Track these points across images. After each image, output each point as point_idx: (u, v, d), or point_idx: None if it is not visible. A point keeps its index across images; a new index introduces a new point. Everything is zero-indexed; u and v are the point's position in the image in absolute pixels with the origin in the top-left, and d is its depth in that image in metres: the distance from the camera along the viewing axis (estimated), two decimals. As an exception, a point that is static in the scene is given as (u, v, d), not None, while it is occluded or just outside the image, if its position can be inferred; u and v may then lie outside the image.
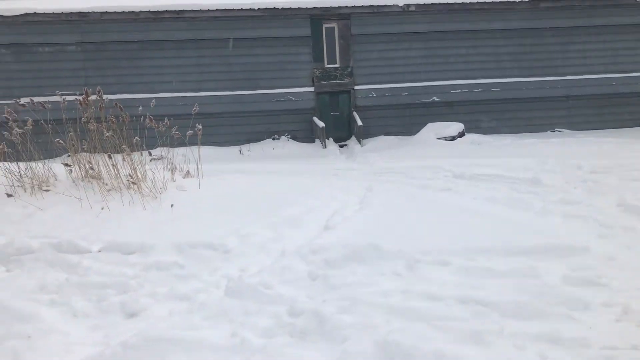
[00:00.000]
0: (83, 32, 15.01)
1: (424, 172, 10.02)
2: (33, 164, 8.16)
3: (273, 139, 16.05)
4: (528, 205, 6.71)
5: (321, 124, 15.68)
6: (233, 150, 14.79)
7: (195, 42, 15.73)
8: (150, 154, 8.02)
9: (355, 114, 16.63)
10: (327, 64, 16.89)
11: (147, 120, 7.95)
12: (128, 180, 7.51)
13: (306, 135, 16.44)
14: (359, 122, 16.04)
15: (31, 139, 7.88)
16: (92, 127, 7.84)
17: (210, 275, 4.58)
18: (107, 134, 7.71)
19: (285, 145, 15.44)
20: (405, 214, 6.26)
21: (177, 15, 15.37)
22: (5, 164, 8.11)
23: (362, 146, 15.70)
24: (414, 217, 6.10)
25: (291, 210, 6.59)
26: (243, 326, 3.41)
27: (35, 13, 14.33)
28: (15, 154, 8.17)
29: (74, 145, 7.83)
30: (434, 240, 4.97)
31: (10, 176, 7.84)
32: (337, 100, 17.17)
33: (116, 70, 15.22)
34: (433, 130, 15.68)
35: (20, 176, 7.97)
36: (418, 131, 16.19)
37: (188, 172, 8.91)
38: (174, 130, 8.66)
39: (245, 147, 15.10)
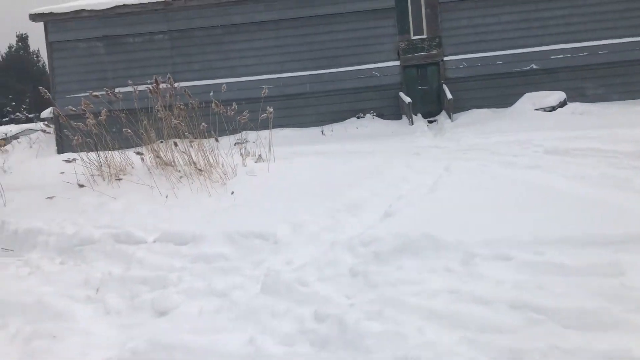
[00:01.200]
0: (169, 20, 15.38)
1: (512, 148, 9.18)
2: (113, 153, 8.42)
3: (357, 118, 15.60)
4: (627, 184, 5.83)
5: (407, 99, 14.98)
6: (315, 131, 14.55)
7: (275, 22, 15.58)
8: (217, 140, 7.91)
9: (444, 86, 15.72)
10: (413, 35, 16.07)
11: (213, 105, 7.87)
12: (196, 168, 7.50)
13: (392, 112, 15.82)
14: (449, 96, 15.14)
15: (107, 129, 8.09)
16: (160, 115, 7.90)
17: (253, 269, 4.35)
18: (175, 122, 7.74)
19: (369, 124, 14.94)
20: (478, 197, 5.64)
21: (257, -3, 15.33)
22: (88, 154, 8.44)
23: (452, 121, 14.83)
24: (487, 200, 5.48)
25: (355, 194, 6.21)
26: (264, 331, 3.13)
27: (124, 5, 14.88)
28: (94, 144, 8.47)
29: (143, 135, 7.95)
30: (502, 229, 4.37)
31: (90, 165, 8.14)
32: (425, 73, 16.33)
33: (201, 56, 15.48)
34: (530, 100, 14.43)
35: (100, 165, 8.25)
36: (514, 102, 14.99)
37: (260, 156, 8.78)
38: (245, 113, 8.55)
39: (327, 128, 14.80)
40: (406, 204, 5.57)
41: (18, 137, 18.21)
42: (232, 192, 6.58)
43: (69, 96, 7.75)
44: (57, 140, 13.97)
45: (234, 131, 9.49)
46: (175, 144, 7.65)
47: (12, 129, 23.19)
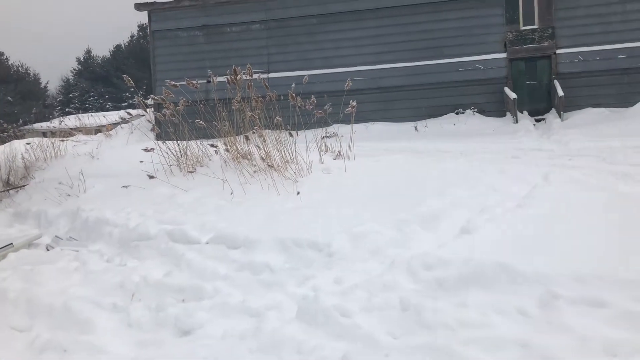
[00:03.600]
0: (266, 9, 15.24)
1: (629, 156, 7.95)
2: (192, 144, 8.32)
3: (456, 114, 14.58)
4: None
5: (512, 95, 13.75)
6: (409, 126, 13.77)
7: (374, 11, 14.92)
8: (290, 134, 7.51)
9: (556, 82, 14.26)
10: (523, 25, 14.71)
11: (290, 97, 7.45)
12: (266, 163, 7.15)
13: (495, 108, 14.62)
14: (560, 92, 13.70)
15: (185, 119, 7.97)
16: (235, 107, 7.63)
17: (297, 285, 3.87)
18: (250, 114, 7.43)
19: (467, 121, 13.89)
20: (576, 217, 4.75)
21: (357, -16, 14.75)
22: (167, 143, 8.40)
23: (562, 120, 13.41)
24: (587, 221, 4.58)
25: (432, 203, 5.51)
26: (281, 374, 2.63)
27: (223, -6, 14.99)
28: (175, 133, 8.41)
29: (216, 126, 7.73)
30: (600, 261, 3.55)
31: (167, 156, 8.08)
32: (534, 67, 14.92)
33: (296, 46, 15.21)
34: (657, 100, 12.69)
35: (180, 155, 8.17)
36: (637, 102, 13.26)
37: (339, 152, 8.26)
38: (327, 107, 8.07)
39: (421, 123, 13.95)
40: (487, 220, 4.81)
41: (129, 122, 19.11)
42: (298, 193, 6.14)
43: (172, 84, 7.71)
44: (158, 127, 14.31)
45: (318, 124, 9.09)
46: (247, 138, 7.33)
47: (131, 113, 24.46)
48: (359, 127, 14.04)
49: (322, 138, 8.73)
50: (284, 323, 3.25)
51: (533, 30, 14.63)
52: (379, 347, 2.80)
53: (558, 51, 14.59)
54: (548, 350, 2.59)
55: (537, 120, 14.20)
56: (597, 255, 3.68)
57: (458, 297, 3.31)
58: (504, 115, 14.35)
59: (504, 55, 14.68)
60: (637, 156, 7.79)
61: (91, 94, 53.46)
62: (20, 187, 8.84)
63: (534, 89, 15.03)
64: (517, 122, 13.55)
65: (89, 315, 3.46)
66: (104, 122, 25.04)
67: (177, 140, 8.29)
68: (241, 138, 7.72)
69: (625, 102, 13.67)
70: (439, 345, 2.71)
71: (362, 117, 14.05)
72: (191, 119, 7.84)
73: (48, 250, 5.67)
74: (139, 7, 15.55)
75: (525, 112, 14.37)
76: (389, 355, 2.63)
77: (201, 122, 7.19)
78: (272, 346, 2.93)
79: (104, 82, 53.06)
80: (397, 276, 3.75)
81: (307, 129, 8.83)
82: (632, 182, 6.36)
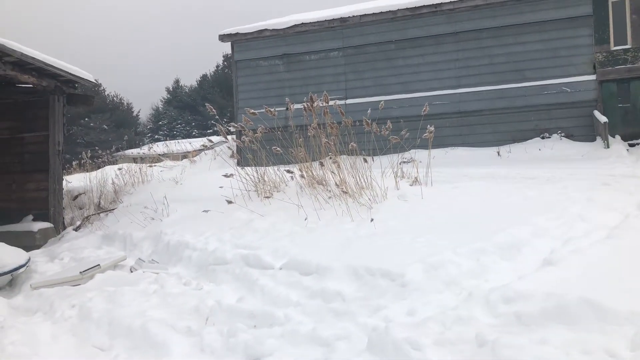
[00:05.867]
0: (344, 37, 15.42)
1: None
2: (269, 170, 8.48)
3: (542, 138, 13.95)
4: None
5: (603, 118, 12.98)
6: (491, 151, 13.31)
7: (453, 35, 14.69)
8: (365, 160, 7.47)
9: (652, 104, 13.37)
10: (614, 45, 13.93)
11: (364, 123, 7.43)
12: (341, 189, 7.14)
13: (584, 132, 13.85)
14: (657, 115, 12.81)
15: (263, 145, 8.14)
16: (310, 134, 7.70)
17: (369, 315, 3.78)
18: (325, 140, 7.48)
19: (554, 145, 13.22)
20: (674, 250, 4.37)
21: (435, 9, 14.55)
22: (246, 169, 8.62)
23: (659, 145, 12.50)
24: (688, 256, 4.19)
25: (513, 232, 5.25)
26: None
27: (302, 23, 15.28)
28: (253, 160, 8.61)
29: (292, 152, 7.83)
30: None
31: (246, 182, 8.28)
32: (627, 88, 14.05)
33: (373, 72, 15.23)
34: None
35: (258, 181, 8.35)
36: None
37: (416, 179, 8.11)
38: (404, 132, 7.99)
39: (504, 148, 13.43)
40: (573, 252, 4.52)
41: (214, 148, 19.86)
42: (372, 220, 6.05)
43: (250, 112, 7.97)
44: (239, 153, 14.73)
45: (394, 150, 9.00)
46: (322, 164, 7.37)
47: (213, 140, 25.43)
48: (438, 152, 13.80)
49: (400, 164, 8.64)
50: (353, 354, 3.18)
51: (625, 51, 13.83)
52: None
53: (654, 71, 13.69)
54: (641, 399, 2.35)
55: (631, 145, 13.30)
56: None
57: (539, 333, 3.10)
58: (593, 139, 13.57)
59: (593, 77, 13.95)
60: None
61: (179, 121, 56.17)
62: (110, 210, 9.35)
63: (627, 112, 14.13)
64: (608, 146, 12.76)
65: (165, 338, 3.55)
66: (189, 148, 26.20)
67: (255, 166, 8.49)
68: (316, 164, 7.79)
69: None
70: (515, 388, 2.53)
71: (441, 142, 13.80)
72: (270, 146, 8.01)
73: (131, 271, 5.92)
74: (222, 38, 16.23)
75: (618, 137, 13.50)
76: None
77: (278, 148, 7.31)
78: (340, 378, 2.86)
79: (191, 110, 55.64)
80: (473, 309, 3.58)
81: (383, 155, 8.77)
82: None
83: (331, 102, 7.87)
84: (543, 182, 8.84)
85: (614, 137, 13.48)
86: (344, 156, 7.88)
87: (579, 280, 3.75)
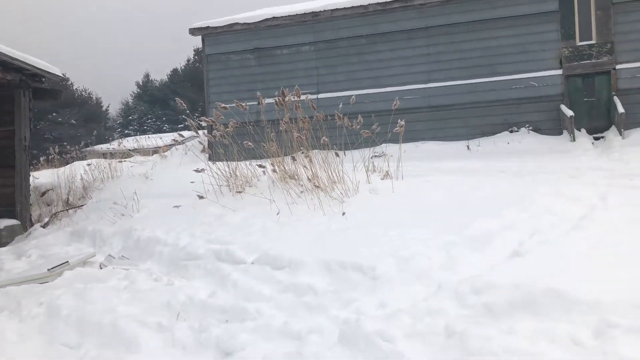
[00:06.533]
0: (316, 31, 15.40)
1: (696, 175, 7.48)
2: (241, 164, 8.44)
3: (511, 132, 14.19)
4: None
5: (569, 112, 13.27)
6: (461, 145, 13.49)
7: (424, 30, 14.80)
8: (337, 154, 7.49)
9: (616, 99, 13.67)
10: (580, 41, 14.22)
11: (336, 117, 7.45)
12: (313, 183, 7.15)
13: (551, 126, 14.13)
14: (621, 109, 13.12)
15: (233, 140, 8.09)
16: (282, 128, 7.70)
17: (341, 309, 3.81)
18: (297, 135, 7.48)
19: (522, 139, 13.47)
20: (636, 241, 4.50)
21: (406, 4, 14.63)
22: (218, 164, 8.55)
23: (623, 138, 12.81)
24: (650, 246, 4.33)
25: (482, 225, 5.34)
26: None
27: (274, 17, 15.21)
28: (224, 155, 8.55)
29: (263, 147, 7.81)
30: (663, 290, 3.32)
31: (217, 176, 8.22)
32: (592, 83, 14.37)
33: (345, 66, 15.25)
34: None
35: (230, 176, 8.30)
36: None
37: (387, 173, 8.17)
38: (375, 126, 8.02)
39: (474, 142, 13.63)
40: (540, 243, 4.63)
41: (185, 143, 19.65)
42: (344, 214, 6.09)
43: (221, 106, 7.91)
44: (211, 149, 14.61)
45: (366, 144, 9.04)
46: (294, 158, 7.37)
47: (185, 134, 25.20)
48: (409, 147, 13.90)
49: (371, 158, 8.69)
50: (325, 347, 3.20)
51: (590, 46, 14.14)
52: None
53: (618, 66, 14.01)
54: (603, 385, 2.43)
55: (596, 139, 13.63)
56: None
57: (507, 323, 3.17)
58: (560, 133, 13.85)
59: (559, 72, 14.23)
60: None
61: (149, 116, 55.43)
62: (78, 207, 9.18)
63: (592, 106, 14.46)
64: (574, 140, 13.05)
65: (135, 334, 3.52)
66: (160, 143, 25.87)
67: (227, 161, 8.43)
68: (289, 159, 7.78)
69: (692, 118, 12.97)
70: (483, 376, 2.59)
71: (412, 136, 13.90)
72: (241, 140, 7.96)
73: (101, 268, 5.83)
74: (193, 31, 16.04)
75: (583, 130, 13.82)
76: (430, 385, 2.53)
77: (249, 143, 7.28)
78: (312, 371, 2.87)
79: (162, 105, 54.93)
80: (444, 301, 3.64)
81: (355, 149, 8.80)
82: (699, 203, 5.99)
83: (303, 97, 7.86)
84: (512, 176, 9.00)
85: (579, 130, 13.79)
86: (316, 151, 7.88)
87: (545, 270, 3.84)
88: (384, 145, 11.76)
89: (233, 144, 8.12)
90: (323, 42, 15.47)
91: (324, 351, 3.12)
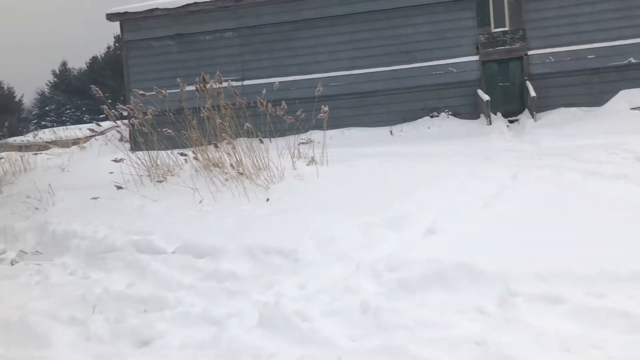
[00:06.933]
0: (238, 17, 15.20)
1: (597, 153, 8.03)
2: (162, 154, 8.24)
3: (431, 117, 14.66)
4: None
5: (485, 97, 13.88)
6: (384, 131, 13.81)
7: (348, 17, 14.95)
8: (261, 141, 7.48)
9: (528, 83, 14.43)
10: (494, 28, 14.87)
11: (259, 104, 7.43)
12: (237, 171, 7.11)
13: (469, 110, 14.73)
14: (532, 93, 13.86)
15: (155, 128, 7.89)
16: (203, 115, 7.59)
17: (262, 292, 3.83)
18: (219, 122, 7.40)
19: (442, 123, 13.97)
20: (541, 215, 4.80)
21: (330, -9, 14.78)
22: (138, 153, 8.31)
23: (535, 121, 13.56)
24: (552, 219, 4.62)
25: (401, 205, 5.52)
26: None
27: (195, 2, 14.88)
28: (145, 145, 8.33)
29: (185, 134, 7.67)
30: (561, 258, 3.57)
31: (138, 166, 7.99)
32: (506, 68, 15.08)
33: (270, 53, 15.18)
34: (626, 98, 12.89)
35: (152, 165, 8.09)
36: (607, 101, 13.48)
37: (312, 158, 8.24)
38: (300, 112, 8.04)
39: (397, 127, 14.00)
40: (454, 220, 4.84)
41: (105, 133, 18.92)
42: (268, 200, 6.11)
43: (139, 93, 7.63)
44: (132, 138, 14.16)
45: (292, 131, 9.05)
46: (216, 146, 7.29)
47: (106, 124, 24.27)
48: (335, 133, 14.08)
49: (299, 144, 8.73)
50: (245, 330, 3.22)
51: (504, 33, 14.80)
52: (336, 351, 2.77)
53: (529, 52, 14.76)
54: (504, 347, 2.59)
55: (511, 122, 14.35)
56: (557, 252, 3.71)
57: (419, 297, 3.31)
58: (478, 117, 14.46)
59: (476, 58, 14.82)
60: (605, 154, 7.89)
61: (68, 106, 52.85)
62: (-12, 202, 8.67)
63: (507, 90, 15.18)
64: (490, 123, 13.68)
65: (46, 329, 3.39)
66: (80, 134, 24.75)
67: (148, 150, 8.21)
68: (213, 147, 7.67)
69: (596, 101, 13.88)
70: (394, 346, 2.70)
71: (338, 123, 14.08)
72: (163, 129, 7.78)
73: (12, 264, 5.56)
74: (110, 17, 15.41)
75: (499, 114, 14.50)
76: (342, 358, 2.61)
77: (169, 130, 7.13)
78: (230, 354, 2.89)
79: (81, 95, 52.47)
80: (361, 279, 3.74)
81: (280, 136, 8.80)
82: (599, 179, 6.44)
83: (225, 84, 7.76)
84: (431, 158, 9.31)
85: (495, 114, 14.45)
86: (243, 138, 7.83)
87: (457, 246, 4.03)
88: (310, 132, 11.84)
89: (153, 133, 7.92)
90: (247, 28, 15.31)
91: (242, 334, 3.13)
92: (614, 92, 13.72)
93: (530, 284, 3.22)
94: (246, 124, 7.29)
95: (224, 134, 7.25)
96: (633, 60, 14.30)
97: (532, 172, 7.10)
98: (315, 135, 11.22)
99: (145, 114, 7.86)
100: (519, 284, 3.21)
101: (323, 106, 8.06)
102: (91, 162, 10.32)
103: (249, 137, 7.73)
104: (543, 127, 12.55)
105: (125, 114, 9.07)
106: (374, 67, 15.05)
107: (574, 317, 2.82)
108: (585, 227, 4.34)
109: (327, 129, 8.62)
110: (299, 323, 3.12)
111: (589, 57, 14.57)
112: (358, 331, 2.99)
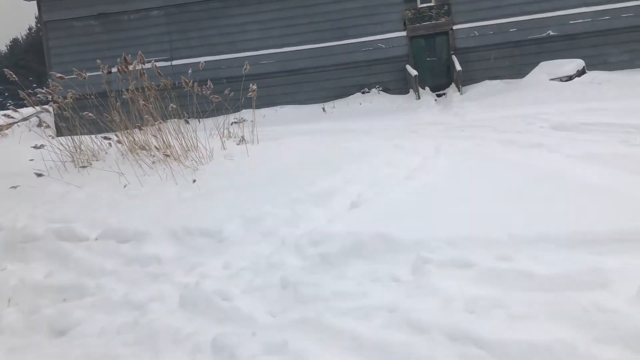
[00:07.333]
0: (164, -5, 14.80)
1: (516, 124, 8.44)
2: (86, 138, 7.97)
3: (362, 93, 14.85)
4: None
5: (414, 72, 14.17)
6: (317, 108, 13.89)
7: (276, -7, 14.87)
8: (187, 121, 7.37)
9: (454, 57, 14.84)
10: (420, 3, 15.15)
11: (184, 84, 7.28)
12: (163, 153, 6.99)
13: (399, 86, 15.03)
14: (458, 67, 14.27)
15: (76, 112, 7.61)
16: (125, 97, 7.38)
17: (185, 274, 3.83)
18: (142, 103, 7.22)
19: (373, 99, 14.19)
20: (458, 184, 5.00)
21: (257, -33, 14.57)
22: (60, 139, 8.00)
23: (461, 94, 14.00)
24: (468, 188, 4.83)
25: (328, 181, 5.60)
26: (155, 361, 2.61)
27: (117, -20, 14.35)
28: (68, 129, 8.03)
29: (108, 118, 7.46)
30: (473, 224, 3.75)
31: (60, 152, 7.70)
32: (433, 43, 15.42)
33: (199, 32, 14.87)
34: (546, 70, 13.49)
35: (75, 150, 7.81)
36: (529, 73, 14.07)
37: (242, 137, 8.20)
38: (227, 91, 7.95)
39: (329, 104, 14.10)
40: (376, 193, 4.97)
41: (29, 120, 18.00)
42: (194, 181, 6.06)
43: (67, 77, 7.29)
44: (55, 124, 13.59)
45: (220, 111, 8.94)
46: (140, 128, 7.13)
47: (29, 110, 23.06)
48: (268, 112, 14.02)
49: (231, 124, 8.63)
50: (165, 313, 3.21)
51: (430, 8, 15.09)
52: (255, 327, 2.82)
53: (455, 27, 15.14)
54: (413, 313, 2.71)
55: (439, 95, 14.73)
56: (471, 219, 3.88)
57: (339, 270, 3.40)
58: (407, 92, 14.76)
59: (404, 33, 15.05)
60: (524, 124, 8.27)
61: (-13, 92, 49.95)
62: None
63: (434, 65, 15.55)
64: (419, 98, 14.00)
65: (-43, 325, 3.27)
66: (0, 122, 23.43)
67: (72, 135, 7.92)
68: (137, 129, 7.49)
69: (518, 73, 14.44)
70: (310, 318, 2.77)
71: (271, 101, 14.03)
72: (85, 112, 7.51)
73: None
74: (26, -4, 14.66)
75: (427, 88, 14.85)
76: (256, 333, 2.67)
77: (90, 114, 6.90)
78: (149, 337, 2.89)
79: (2, 80, 49.62)
80: (285, 255, 3.80)
81: (210, 117, 8.67)
82: (516, 148, 6.77)
83: (149, 64, 7.55)
84: (360, 134, 9.49)
85: (424, 89, 14.80)
86: (170, 120, 7.67)
87: (377, 218, 4.14)
88: (243, 111, 11.74)
89: (75, 117, 7.63)
90: (174, 7, 14.90)
91: (163, 317, 3.13)
92: (534, 64, 14.32)
93: (442, 251, 3.36)
94: (171, 104, 7.14)
95: (146, 116, 7.08)
96: (552, 33, 14.94)
97: (455, 143, 7.37)
98: (247, 114, 11.11)
99: (65, 97, 7.56)
100: (432, 251, 3.35)
101: (251, 84, 8.00)
102: (11, 150, 9.85)
103: (177, 118, 7.58)
104: (469, 100, 12.98)
105: (48, 98, 8.68)
106: (305, 44, 15.04)
107: (481, 280, 2.98)
108: (499, 195, 4.55)
109: (260, 108, 8.59)
110: (220, 302, 3.15)
111: (511, 30, 15.09)
112: (278, 306, 3.05)
